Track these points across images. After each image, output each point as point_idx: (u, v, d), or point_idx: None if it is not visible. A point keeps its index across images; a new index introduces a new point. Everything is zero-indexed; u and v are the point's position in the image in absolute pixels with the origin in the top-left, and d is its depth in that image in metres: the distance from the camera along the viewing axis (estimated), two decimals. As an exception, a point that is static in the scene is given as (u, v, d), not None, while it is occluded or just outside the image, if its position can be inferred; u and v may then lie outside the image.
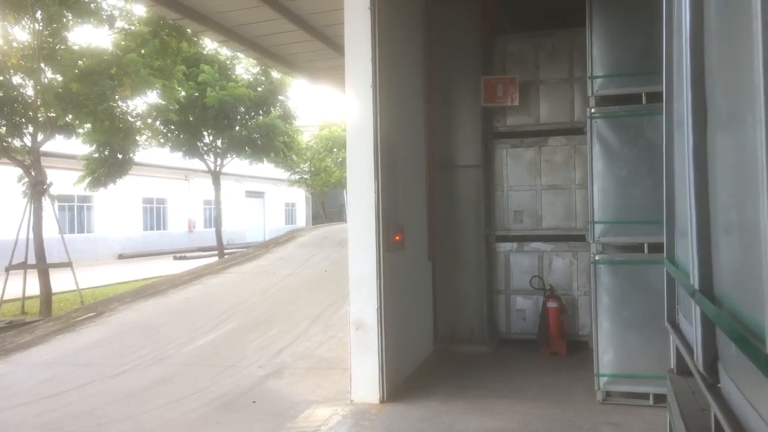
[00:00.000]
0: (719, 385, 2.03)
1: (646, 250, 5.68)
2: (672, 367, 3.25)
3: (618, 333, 5.84)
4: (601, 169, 5.93)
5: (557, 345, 7.79)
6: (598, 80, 6.03)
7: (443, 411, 5.77)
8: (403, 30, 7.24)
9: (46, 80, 13.55)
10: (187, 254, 31.34)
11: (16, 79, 13.61)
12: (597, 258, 5.91)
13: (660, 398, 5.46)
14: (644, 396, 5.70)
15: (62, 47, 13.69)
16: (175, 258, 30.15)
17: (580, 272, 8.26)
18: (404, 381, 6.61)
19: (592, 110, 5.98)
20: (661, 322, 3.36)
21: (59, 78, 13.62)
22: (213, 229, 26.66)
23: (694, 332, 2.31)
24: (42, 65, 13.48)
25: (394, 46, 6.69)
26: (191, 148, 22.33)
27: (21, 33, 13.46)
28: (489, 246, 8.51)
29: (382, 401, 6.01)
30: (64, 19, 13.47)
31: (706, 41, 2.19)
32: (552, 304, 7.88)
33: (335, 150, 35.33)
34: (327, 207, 41.07)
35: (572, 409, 5.72)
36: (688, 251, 2.37)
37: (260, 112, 22.54)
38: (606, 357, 5.86)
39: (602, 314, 5.88)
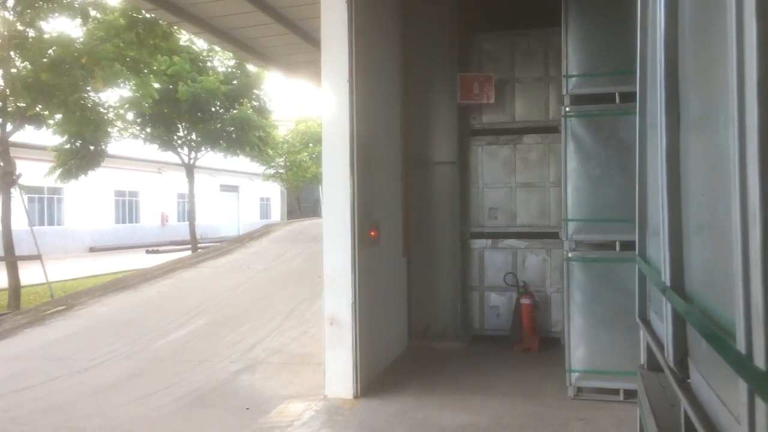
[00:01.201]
0: (689, 380, 2.06)
1: (617, 248, 5.75)
2: (642, 363, 3.30)
3: (590, 329, 5.91)
4: (575, 167, 5.99)
5: (530, 341, 7.86)
6: (572, 79, 6.08)
7: (417, 406, 5.79)
8: (379, 25, 7.23)
9: (15, 69, 13.27)
10: (160, 248, 30.98)
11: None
12: (570, 255, 5.97)
13: (631, 394, 5.54)
14: (615, 392, 5.78)
15: (32, 36, 13.40)
16: (147, 252, 29.79)
17: (553, 269, 8.33)
18: (378, 376, 6.62)
19: (567, 109, 6.03)
20: (632, 318, 3.40)
21: (29, 67, 13.34)
22: (186, 223, 26.45)
23: (664, 328, 2.34)
24: (11, 54, 13.20)
25: (370, 42, 6.67)
26: (165, 141, 22.07)
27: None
28: (464, 243, 8.55)
29: (355, 396, 6.02)
30: (37, 9, 13.18)
31: (680, 42, 2.22)
32: (525, 301, 7.95)
33: (311, 145, 35.19)
34: (302, 202, 40.93)
35: (543, 405, 5.78)
36: (659, 249, 2.41)
37: (235, 105, 22.35)
38: (577, 353, 5.92)
39: (574, 311, 5.94)
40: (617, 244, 5.76)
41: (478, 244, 8.65)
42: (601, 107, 5.98)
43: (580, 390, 5.95)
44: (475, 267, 8.64)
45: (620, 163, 5.74)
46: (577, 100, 6.12)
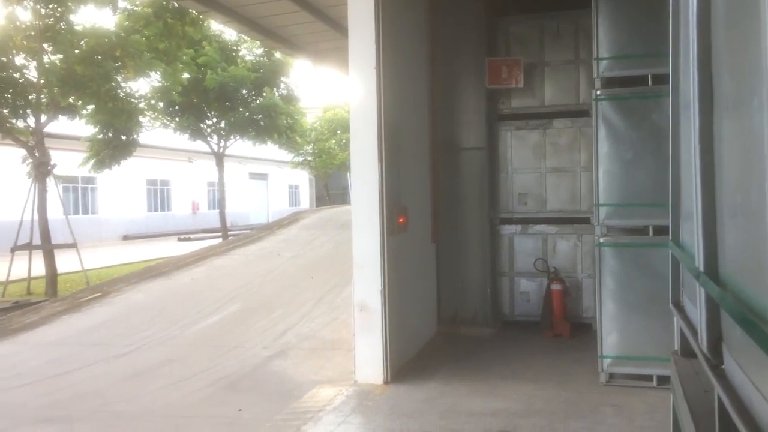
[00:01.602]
0: (723, 366, 2.04)
1: (650, 233, 5.68)
2: (676, 348, 3.26)
3: (622, 315, 5.86)
4: (607, 151, 5.91)
5: (561, 327, 7.82)
6: (603, 62, 5.98)
7: (446, 392, 5.81)
8: (406, 11, 7.19)
9: (48, 61, 13.51)
10: (191, 236, 31.44)
11: (19, 60, 13.58)
12: (601, 241, 5.91)
13: (664, 380, 5.49)
14: (648, 378, 5.74)
15: (63, 27, 13.62)
16: (179, 239, 30.25)
17: (584, 255, 8.26)
18: (408, 362, 6.65)
19: (598, 92, 5.95)
20: (665, 304, 3.37)
21: (61, 58, 13.56)
22: (217, 211, 26.74)
23: (698, 314, 2.32)
24: (44, 46, 13.44)
25: (397, 28, 6.64)
26: (195, 130, 22.32)
27: (23, 13, 13.41)
28: (493, 228, 8.51)
29: (385, 382, 6.06)
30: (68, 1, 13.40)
31: (713, 23, 2.17)
32: (556, 287, 7.90)
33: (339, 132, 35.24)
34: (330, 189, 41.08)
35: (575, 390, 5.76)
36: (693, 234, 2.37)
37: (263, 93, 22.47)
38: (609, 339, 5.88)
39: (606, 296, 5.89)
40: (650, 228, 5.68)
41: (507, 230, 8.60)
42: (633, 90, 5.88)
43: (612, 376, 5.91)
44: (504, 253, 8.61)
45: (653, 146, 5.65)
46: (609, 83, 6.02)
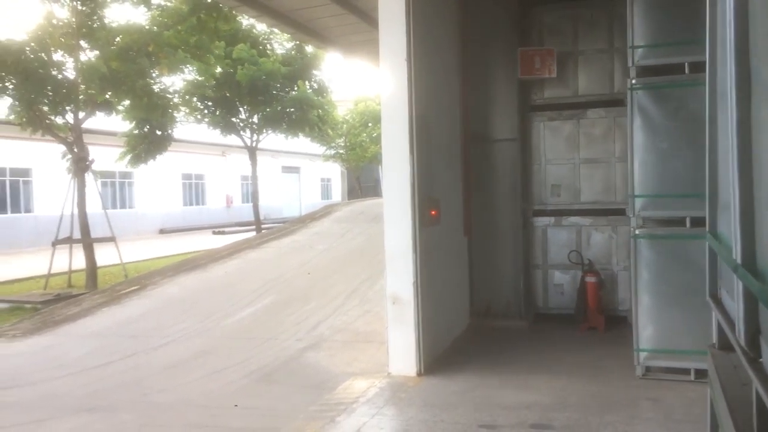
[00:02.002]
0: (761, 359, 2.00)
1: (688, 224, 5.57)
2: (713, 342, 3.21)
3: (658, 308, 5.78)
4: (642, 141, 5.81)
5: (595, 320, 7.74)
6: (638, 50, 5.87)
7: (479, 384, 5.81)
8: (437, 3, 7.15)
9: (85, 58, 13.77)
10: (226, 229, 31.85)
11: (57, 57, 13.87)
12: (637, 232, 5.82)
13: (701, 374, 5.39)
14: (685, 371, 5.65)
15: (98, 24, 13.87)
16: (213, 233, 30.68)
17: (619, 247, 8.15)
18: (441, 354, 6.66)
19: (633, 81, 5.85)
20: (702, 297, 3.31)
21: (97, 55, 13.81)
22: (250, 205, 26.99)
23: (736, 307, 2.28)
24: (81, 43, 13.71)
25: (428, 19, 6.62)
26: (228, 124, 22.55)
27: (60, 11, 13.69)
28: (526, 220, 8.45)
29: (419, 374, 6.08)
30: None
31: (750, 8, 2.12)
32: (590, 279, 7.81)
33: (370, 125, 35.25)
34: (362, 182, 41.15)
35: (610, 384, 5.70)
36: (730, 225, 2.33)
37: (294, 87, 22.59)
38: (646, 332, 5.80)
39: (642, 289, 5.81)
40: (687, 220, 5.57)
41: (540, 221, 8.53)
42: (669, 78, 5.77)
43: (648, 369, 5.83)
44: (537, 245, 8.54)
45: (690, 136, 5.53)
46: (644, 71, 5.91)
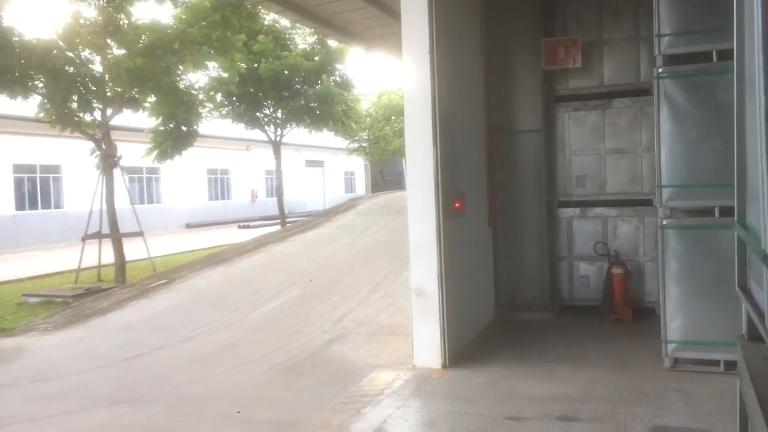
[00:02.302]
0: (792, 351, 1.97)
1: (716, 214, 5.49)
2: (743, 333, 3.17)
3: (687, 299, 5.71)
4: (669, 131, 5.73)
5: (622, 312, 7.67)
6: (665, 39, 5.78)
7: (505, 376, 5.80)
8: (460, -7, 7.11)
9: (111, 55, 13.95)
10: (251, 223, 32.12)
11: (85, 55, 14.06)
12: (665, 223, 5.75)
13: (731, 365, 5.33)
14: (714, 363, 5.58)
15: (125, 22, 14.04)
16: (239, 227, 30.95)
17: (646, 237, 8.06)
18: (466, 347, 6.65)
19: (660, 70, 5.76)
20: (732, 288, 3.27)
21: (124, 53, 13.98)
22: (275, 199, 27.19)
23: (765, 297, 2.25)
24: (108, 41, 13.88)
25: (451, 10, 6.59)
26: (252, 119, 22.69)
27: (87, 9, 13.87)
28: (551, 212, 8.39)
29: (443, 366, 6.08)
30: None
31: (781, -6, 2.08)
32: (617, 270, 7.73)
33: (393, 118, 35.22)
34: (386, 175, 41.17)
35: (638, 376, 5.65)
36: (759, 215, 2.30)
37: (318, 81, 22.65)
38: (674, 323, 5.74)
39: (670, 280, 5.74)
40: (716, 210, 5.49)
41: (565, 213, 8.47)
42: (696, 67, 5.67)
43: (677, 361, 5.77)
44: (563, 236, 8.48)
45: (718, 124, 5.45)
46: (671, 60, 5.82)
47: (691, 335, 5.71)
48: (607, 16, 8.20)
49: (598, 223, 8.33)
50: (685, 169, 5.72)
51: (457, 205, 6.59)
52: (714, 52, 5.50)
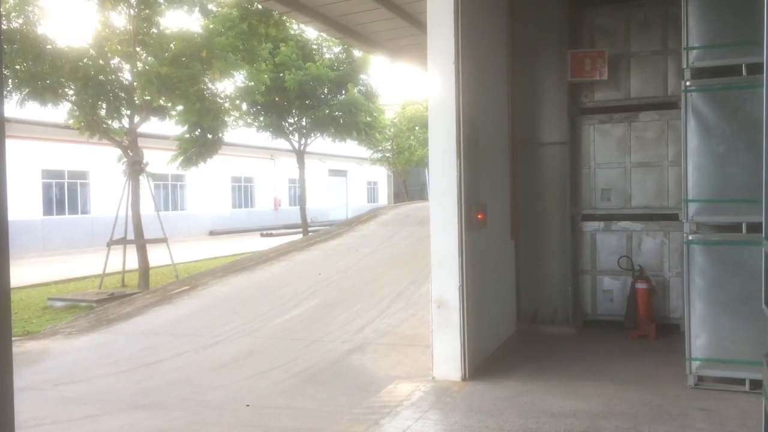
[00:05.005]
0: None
1: (744, 230, 5.40)
2: (770, 352, 3.10)
3: (712, 316, 5.61)
4: (697, 145, 5.66)
5: (646, 327, 7.56)
6: (694, 52, 5.73)
7: (525, 391, 5.73)
8: (486, 5, 7.11)
9: (141, 64, 14.18)
10: (273, 231, 32.30)
11: (114, 63, 14.31)
12: (691, 238, 5.67)
13: (756, 384, 5.22)
14: (739, 382, 5.47)
15: (155, 31, 14.27)
16: (261, 235, 31.15)
17: (671, 253, 7.95)
18: (486, 360, 6.60)
19: (688, 83, 5.70)
20: (758, 305, 3.21)
21: (152, 61, 14.21)
22: (297, 207, 27.34)
23: (795, 316, 2.20)
24: (137, 49, 14.11)
25: (477, 21, 6.59)
26: (277, 128, 22.88)
27: (118, 19, 14.13)
28: (574, 225, 8.32)
29: (463, 379, 6.04)
30: (158, 6, 14.04)
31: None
32: (641, 285, 7.63)
33: (417, 128, 35.24)
34: (409, 185, 41.17)
35: (661, 393, 5.55)
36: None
37: (342, 91, 22.78)
38: (699, 341, 5.64)
39: (695, 296, 5.65)
40: (743, 225, 5.40)
41: (589, 226, 8.39)
42: (725, 80, 5.60)
43: (701, 379, 5.66)
44: (586, 250, 8.40)
45: (747, 139, 5.37)
46: (699, 73, 5.76)
47: (716, 353, 5.60)
48: (634, 29, 8.14)
49: (622, 237, 8.23)
50: (713, 183, 5.64)
51: (479, 216, 6.56)
52: (743, 65, 5.43)
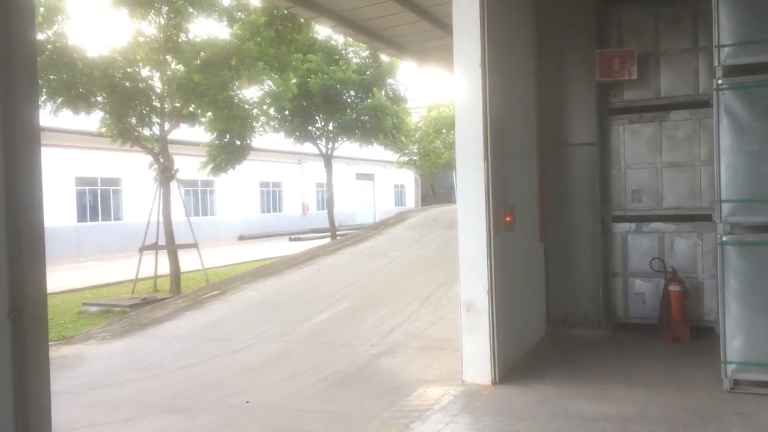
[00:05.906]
0: None
1: (779, 231, 5.28)
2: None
3: (748, 318, 5.49)
4: (730, 144, 5.55)
5: (680, 330, 7.42)
6: (725, 49, 5.62)
7: (556, 395, 5.68)
8: (512, 5, 7.07)
9: (170, 72, 14.39)
10: (302, 236, 32.47)
11: (145, 72, 14.56)
12: (725, 239, 5.56)
13: (795, 389, 5.10)
14: (777, 386, 5.35)
15: (185, 40, 14.48)
16: (290, 239, 31.32)
17: (705, 254, 7.80)
18: (516, 363, 6.55)
19: (719, 81, 5.60)
20: (797, 307, 3.14)
21: (182, 69, 14.41)
22: (325, 211, 27.44)
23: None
24: (167, 57, 14.33)
25: (503, 22, 6.56)
26: (304, 133, 23.02)
27: (148, 27, 14.36)
28: (605, 227, 8.21)
29: (493, 383, 6.00)
30: (189, 13, 14.25)
31: None
32: (674, 288, 7.50)
33: (444, 131, 35.18)
34: (436, 188, 41.11)
35: (696, 397, 5.45)
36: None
37: (369, 95, 22.84)
38: (734, 343, 5.52)
39: (730, 298, 5.54)
40: (779, 226, 5.29)
41: (620, 228, 8.27)
42: (758, 78, 5.49)
43: (737, 383, 5.55)
44: (617, 252, 8.28)
45: (782, 137, 5.25)
46: (731, 71, 5.65)
47: (752, 356, 5.48)
48: (664, 27, 8.02)
49: (654, 239, 8.11)
50: (747, 183, 5.53)
51: (508, 219, 6.52)
52: (777, 62, 5.32)
